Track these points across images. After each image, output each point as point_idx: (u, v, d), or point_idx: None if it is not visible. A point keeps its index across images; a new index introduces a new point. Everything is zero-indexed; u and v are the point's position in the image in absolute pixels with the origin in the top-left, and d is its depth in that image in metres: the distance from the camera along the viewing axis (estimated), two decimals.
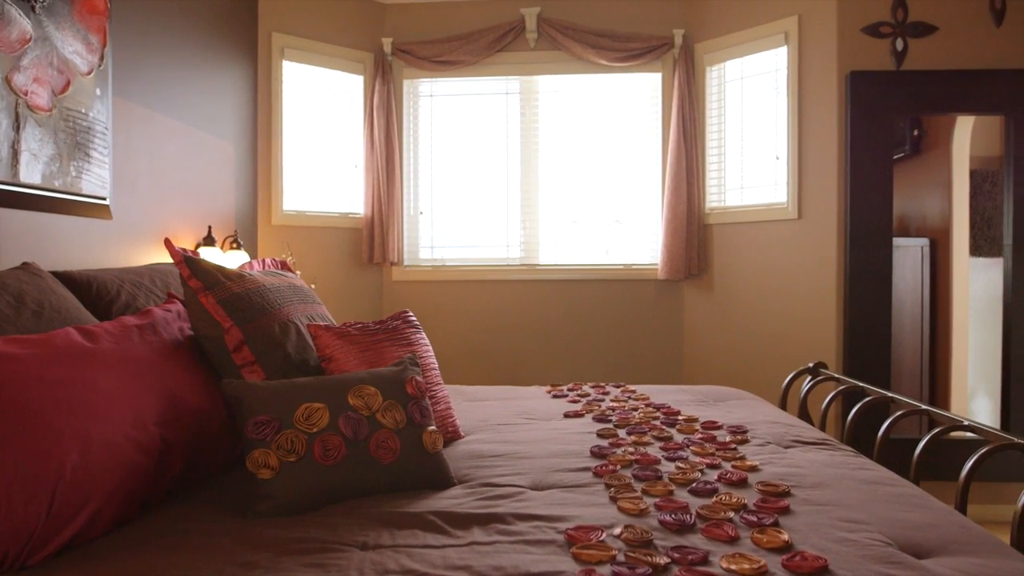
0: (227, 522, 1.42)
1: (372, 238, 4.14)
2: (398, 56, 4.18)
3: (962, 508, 1.63)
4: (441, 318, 4.23)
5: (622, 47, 4.05)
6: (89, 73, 2.32)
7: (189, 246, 3.01)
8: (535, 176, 4.27)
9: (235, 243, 3.30)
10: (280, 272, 2.20)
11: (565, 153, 4.27)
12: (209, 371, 1.73)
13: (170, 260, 2.59)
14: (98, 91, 2.37)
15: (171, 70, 2.92)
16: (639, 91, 4.23)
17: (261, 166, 3.81)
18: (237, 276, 1.87)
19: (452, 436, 1.99)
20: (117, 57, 2.52)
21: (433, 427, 1.66)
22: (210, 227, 3.10)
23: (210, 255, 2.92)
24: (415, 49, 4.15)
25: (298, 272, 3.63)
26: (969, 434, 1.89)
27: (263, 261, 2.40)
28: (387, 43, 4.16)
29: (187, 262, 1.78)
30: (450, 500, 1.53)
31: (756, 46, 3.80)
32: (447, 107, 4.32)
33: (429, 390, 1.96)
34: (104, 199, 2.42)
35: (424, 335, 2.13)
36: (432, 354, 2.12)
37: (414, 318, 2.15)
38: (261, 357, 1.76)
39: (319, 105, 4.10)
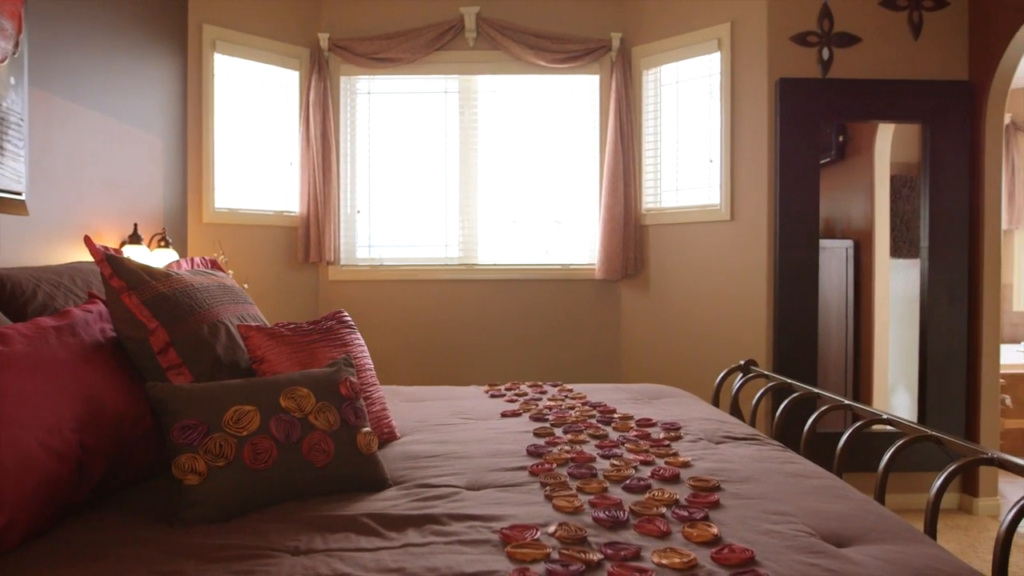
0: (152, 530, 1.37)
1: (308, 237, 4.06)
2: (335, 52, 4.12)
3: (880, 498, 1.71)
4: (379, 318, 4.19)
5: (560, 49, 4.09)
6: (2, 61, 2.20)
7: (114, 244, 2.89)
8: (474, 176, 4.27)
9: (163, 241, 3.18)
10: (210, 271, 2.14)
11: (504, 153, 4.28)
12: (133, 374, 1.67)
13: (92, 259, 2.48)
14: (12, 80, 2.25)
15: (94, 61, 2.80)
16: (577, 93, 4.27)
17: (191, 162, 3.69)
18: (163, 275, 1.81)
19: (388, 437, 1.97)
20: (34, 45, 2.40)
21: (368, 428, 1.64)
22: (136, 225, 2.98)
23: (136, 254, 2.82)
24: (352, 45, 4.09)
25: (230, 272, 3.53)
26: (889, 427, 1.98)
27: (192, 260, 2.33)
28: (323, 38, 4.09)
29: (109, 260, 1.71)
30: (385, 502, 1.51)
31: (691, 51, 3.89)
32: (385, 105, 4.27)
33: (364, 391, 1.94)
34: (20, 194, 2.30)
35: (359, 335, 2.11)
36: (367, 355, 2.09)
37: (349, 318, 2.12)
38: (189, 359, 1.71)
39: (253, 100, 4.00)
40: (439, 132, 4.27)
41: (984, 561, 2.80)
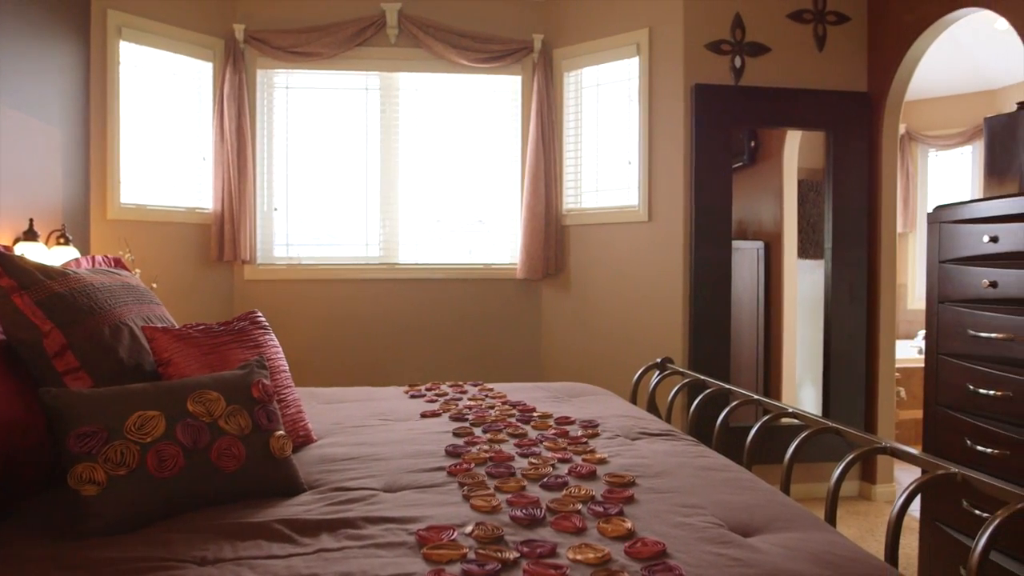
0: (46, 546, 1.29)
1: (222, 235, 3.92)
2: (251, 44, 3.99)
3: (786, 488, 1.78)
4: (297, 318, 4.09)
5: (482, 48, 4.09)
6: None
7: (6, 241, 2.71)
8: (395, 174, 4.22)
9: (63, 238, 3.01)
10: (113, 270, 2.04)
11: (427, 152, 4.25)
12: (25, 379, 1.57)
13: None
14: None
15: None
16: (500, 93, 4.29)
17: (95, 155, 3.50)
18: (60, 274, 1.71)
19: (304, 440, 1.93)
20: None
21: (281, 432, 1.60)
22: (32, 220, 2.80)
23: (31, 251, 2.65)
24: (269, 38, 3.98)
25: (137, 271, 3.37)
26: (795, 420, 2.07)
27: (93, 258, 2.21)
28: (239, 30, 3.96)
29: None
30: (299, 507, 1.47)
31: (611, 55, 3.96)
32: (304, 100, 4.17)
33: (278, 393, 1.88)
34: None
35: (274, 336, 2.05)
36: (282, 356, 2.04)
37: (263, 319, 2.06)
38: (88, 363, 1.62)
39: (163, 92, 3.83)
40: (360, 129, 4.20)
41: (880, 544, 2.97)
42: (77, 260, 2.25)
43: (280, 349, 2.05)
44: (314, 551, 1.27)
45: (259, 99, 4.10)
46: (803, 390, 4.24)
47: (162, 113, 3.83)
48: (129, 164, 3.67)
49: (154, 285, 3.38)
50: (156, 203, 3.79)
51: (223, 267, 4.05)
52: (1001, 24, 3.05)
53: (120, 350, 1.71)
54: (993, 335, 2.12)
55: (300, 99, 4.17)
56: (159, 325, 1.87)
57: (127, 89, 3.65)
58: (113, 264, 2.25)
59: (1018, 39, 2.84)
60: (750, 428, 1.99)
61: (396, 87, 4.22)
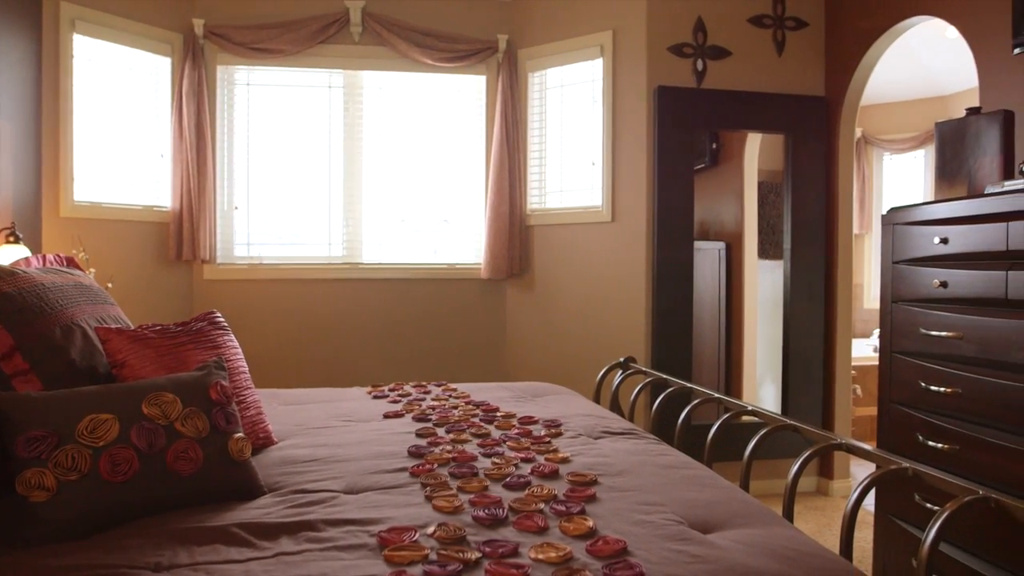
0: None
1: (181, 234, 3.84)
2: (211, 40, 3.92)
3: (745, 485, 1.81)
4: (258, 319, 4.02)
5: (447, 48, 4.08)
6: None
7: None
8: (359, 173, 4.18)
9: (12, 237, 2.92)
10: (65, 269, 1.98)
11: (391, 151, 4.22)
12: None
13: None
14: None
15: None
16: (464, 92, 4.28)
17: (47, 151, 3.40)
18: (8, 274, 1.66)
19: (264, 442, 1.90)
20: None
21: (240, 434, 1.57)
22: None
23: None
24: (230, 33, 3.91)
25: (91, 270, 3.29)
26: (755, 418, 2.10)
27: (44, 257, 2.15)
28: (199, 24, 3.88)
29: None
30: (258, 510, 1.45)
31: (575, 56, 3.98)
32: (266, 97, 4.11)
33: (237, 395, 1.85)
34: None
35: (233, 337, 2.01)
36: (242, 357, 2.00)
37: (221, 319, 2.02)
38: (38, 365, 1.57)
39: (119, 87, 3.74)
40: (323, 127, 4.15)
41: (836, 538, 3.03)
42: (27, 259, 2.19)
43: (239, 350, 2.02)
44: (273, 555, 1.25)
45: (219, 96, 4.03)
46: (763, 388, 4.31)
47: (119, 109, 3.74)
48: (83, 160, 3.58)
49: (109, 285, 3.30)
50: (112, 201, 3.70)
51: (182, 267, 3.97)
52: (951, 33, 3.14)
53: (72, 351, 1.66)
54: (944, 333, 2.19)
55: (262, 96, 4.11)
56: (113, 326, 1.82)
57: (81, 83, 3.55)
58: (65, 263, 2.19)
59: (967, 47, 2.93)
60: (711, 426, 2.02)
61: (360, 85, 4.18)
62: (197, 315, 2.02)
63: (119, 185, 3.75)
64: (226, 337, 1.97)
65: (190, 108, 3.81)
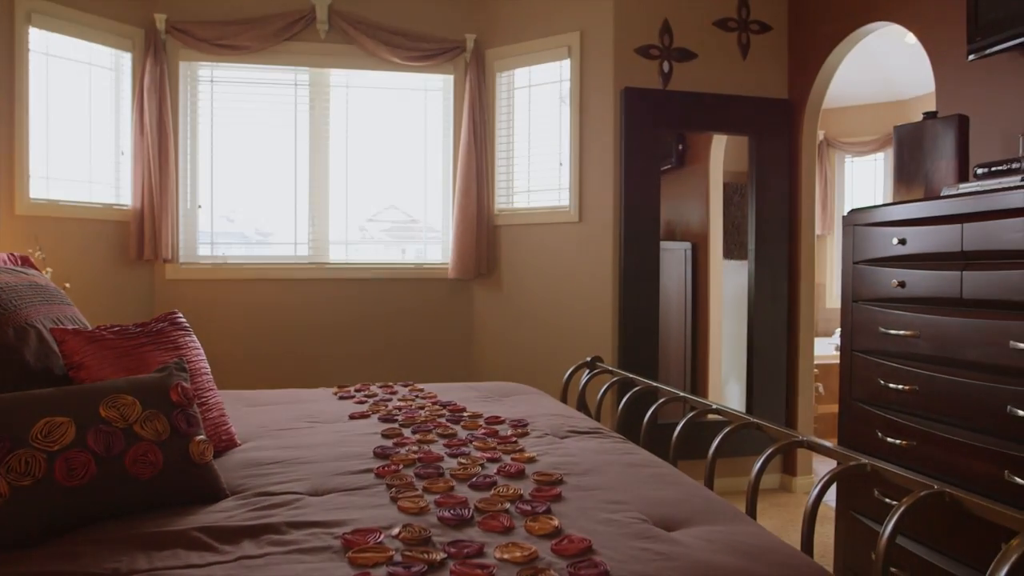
0: None
1: (142, 233, 3.77)
2: (173, 35, 3.85)
3: (710, 483, 1.83)
4: (222, 320, 3.96)
5: (415, 47, 4.06)
6: None
7: None
8: (325, 172, 4.14)
9: None
10: (19, 269, 1.93)
11: (358, 150, 4.19)
12: None
13: None
14: None
15: None
16: (432, 92, 4.26)
17: (1, 148, 3.31)
18: None
19: (227, 445, 1.87)
20: None
21: (202, 436, 1.55)
22: None
23: None
24: (193, 29, 3.84)
25: (48, 270, 3.21)
26: (719, 416, 2.13)
27: None
28: (160, 19, 3.81)
29: None
30: (220, 513, 1.43)
31: (542, 56, 3.99)
32: (230, 94, 4.05)
33: (199, 396, 1.82)
34: None
35: (195, 338, 1.98)
36: (204, 358, 1.97)
37: (183, 319, 1.99)
38: None
39: (78, 82, 3.65)
40: (288, 125, 4.10)
41: (799, 533, 3.09)
42: None
43: (202, 351, 1.99)
44: (235, 559, 1.23)
45: (182, 92, 3.96)
46: (728, 386, 4.36)
47: (77, 104, 3.65)
48: (39, 157, 3.49)
49: (67, 285, 3.22)
50: (70, 198, 3.61)
51: (143, 266, 3.89)
52: (910, 39, 3.22)
53: (26, 353, 1.62)
54: (901, 332, 2.24)
55: (226, 93, 4.04)
56: (69, 327, 1.78)
57: (38, 78, 3.46)
58: (20, 263, 2.13)
59: (924, 53, 3.00)
60: (677, 424, 2.04)
61: (326, 83, 4.14)
62: (158, 316, 1.99)
63: (78, 183, 3.66)
64: (188, 338, 1.93)
65: (152, 104, 3.74)
